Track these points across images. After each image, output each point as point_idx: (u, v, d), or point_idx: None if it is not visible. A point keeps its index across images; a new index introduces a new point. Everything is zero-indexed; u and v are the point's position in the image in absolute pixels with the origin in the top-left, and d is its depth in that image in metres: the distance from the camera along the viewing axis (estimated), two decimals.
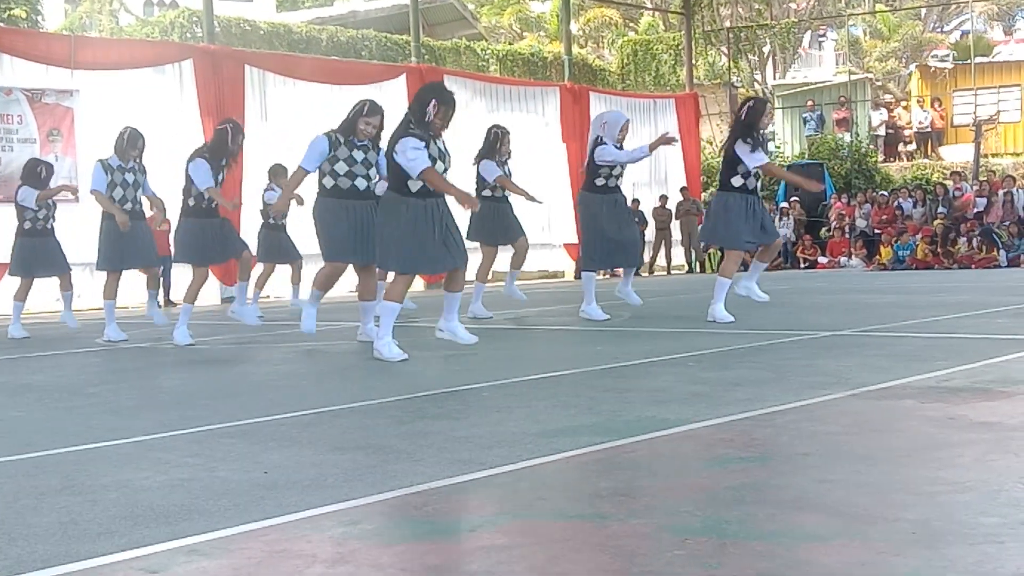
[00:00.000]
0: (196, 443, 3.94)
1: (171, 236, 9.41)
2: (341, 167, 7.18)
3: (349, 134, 7.22)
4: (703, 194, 24.02)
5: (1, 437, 4.30)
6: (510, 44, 31.99)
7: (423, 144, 6.38)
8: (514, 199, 10.20)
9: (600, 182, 9.07)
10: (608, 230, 9.02)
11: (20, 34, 17.35)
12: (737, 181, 8.41)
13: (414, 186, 6.42)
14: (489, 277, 10.50)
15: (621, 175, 9.15)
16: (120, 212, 8.72)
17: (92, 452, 3.85)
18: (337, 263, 7.44)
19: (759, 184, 8.58)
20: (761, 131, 8.46)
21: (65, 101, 14.70)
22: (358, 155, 7.25)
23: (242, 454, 3.67)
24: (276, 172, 11.33)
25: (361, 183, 7.30)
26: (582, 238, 9.75)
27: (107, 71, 15.02)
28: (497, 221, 9.97)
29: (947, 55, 29.84)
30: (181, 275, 10.99)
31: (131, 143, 8.87)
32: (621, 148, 9.11)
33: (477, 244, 10.17)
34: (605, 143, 8.99)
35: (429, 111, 6.44)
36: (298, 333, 7.79)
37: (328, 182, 7.24)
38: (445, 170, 6.55)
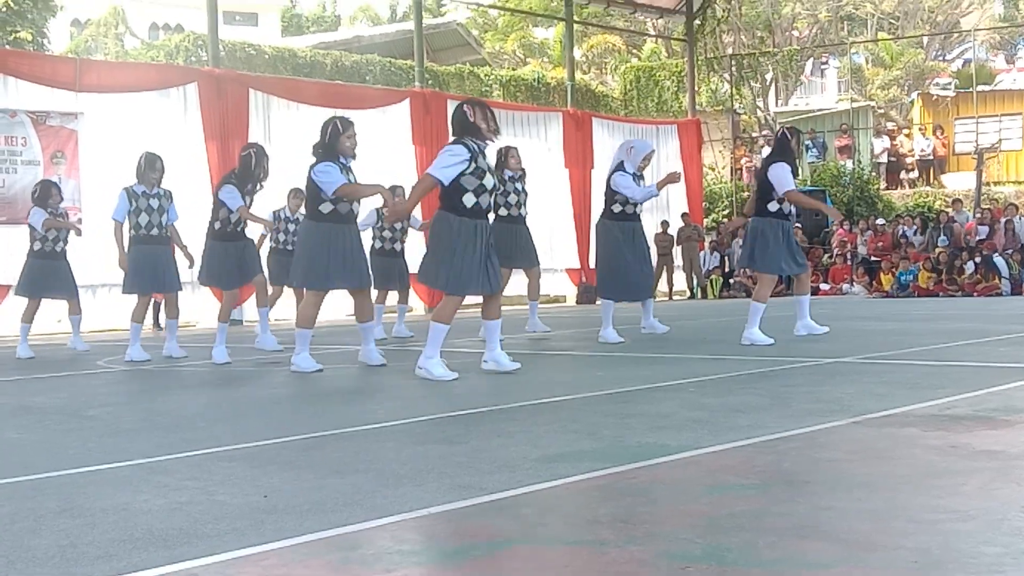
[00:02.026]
0: (195, 466, 3.93)
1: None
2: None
3: (334, 157, 7.27)
4: (705, 220, 24.06)
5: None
6: (513, 70, 32.12)
7: (466, 155, 6.41)
8: (532, 222, 10.22)
9: (617, 209, 9.15)
10: (627, 262, 9.08)
11: (25, 56, 17.43)
12: (773, 206, 8.46)
13: (469, 202, 6.45)
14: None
15: (636, 202, 9.19)
16: (122, 252, 8.96)
17: (91, 475, 3.84)
18: (319, 291, 7.47)
19: (793, 210, 8.61)
20: (794, 159, 8.56)
21: (69, 123, 14.76)
22: (351, 177, 7.35)
23: (242, 477, 3.66)
24: (292, 195, 11.28)
25: (355, 206, 7.51)
26: (599, 266, 9.81)
27: (112, 94, 15.09)
28: (511, 243, 9.93)
29: (949, 83, 29.98)
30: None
31: (149, 166, 9.00)
32: (642, 176, 9.19)
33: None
34: (625, 170, 9.06)
35: (467, 114, 6.53)
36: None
37: (326, 207, 7.28)
38: (494, 186, 6.61)
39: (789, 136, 8.69)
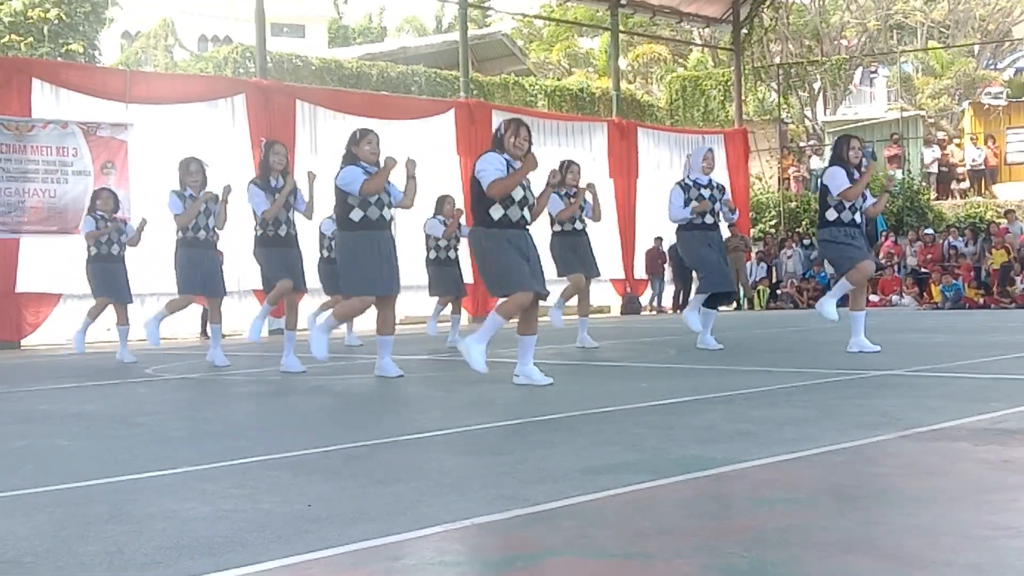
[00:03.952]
0: (241, 474, 3.95)
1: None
2: (372, 196, 7.30)
3: (355, 162, 7.34)
4: (751, 230, 23.91)
5: (49, 466, 4.35)
6: (558, 80, 32.16)
7: (502, 163, 6.52)
8: (592, 232, 10.35)
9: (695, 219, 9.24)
10: (710, 255, 9.16)
11: (76, 68, 17.73)
12: (831, 215, 8.45)
13: (496, 214, 6.52)
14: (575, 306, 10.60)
15: (713, 211, 9.21)
16: (199, 201, 9.05)
17: (139, 482, 3.87)
18: (367, 297, 7.48)
19: (859, 218, 8.52)
20: (853, 164, 8.48)
21: (119, 134, 14.96)
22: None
23: (286, 486, 3.68)
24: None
25: (387, 213, 7.46)
26: (695, 270, 9.95)
27: (161, 105, 15.29)
28: (579, 252, 9.99)
29: (1000, 92, 29.57)
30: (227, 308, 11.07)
31: (183, 169, 9.15)
32: (709, 176, 9.26)
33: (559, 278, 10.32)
34: (687, 180, 9.21)
35: (501, 132, 6.62)
36: (345, 365, 7.83)
37: (357, 214, 7.33)
38: (524, 198, 6.59)
39: (840, 144, 8.68)
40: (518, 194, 6.56)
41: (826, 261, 8.93)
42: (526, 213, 6.67)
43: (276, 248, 8.44)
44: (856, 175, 8.48)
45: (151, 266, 11.25)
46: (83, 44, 24.98)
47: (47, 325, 14.45)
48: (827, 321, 8.66)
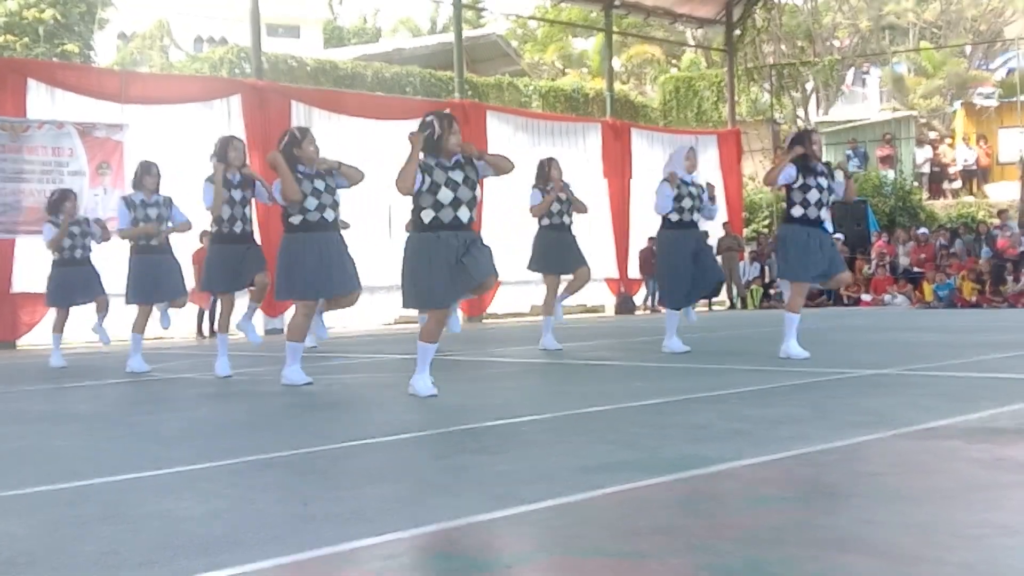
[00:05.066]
0: (236, 474, 3.96)
1: None
2: (310, 202, 7.12)
3: (295, 164, 7.16)
4: (744, 230, 23.93)
5: (44, 465, 4.35)
6: (552, 80, 32.16)
7: (418, 175, 6.14)
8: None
9: (675, 218, 9.16)
10: (683, 266, 9.08)
11: (72, 69, 17.72)
12: (796, 211, 8.34)
13: (427, 217, 6.20)
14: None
15: (694, 209, 9.15)
16: (145, 229, 8.87)
17: (133, 481, 3.88)
18: (308, 302, 7.31)
19: (824, 214, 8.39)
20: (814, 160, 8.37)
21: (115, 135, 14.93)
22: (320, 184, 7.17)
23: (281, 485, 3.68)
24: None
25: (329, 214, 7.23)
26: (658, 274, 9.83)
27: (156, 105, 15.27)
28: (558, 250, 9.97)
29: (992, 92, 29.66)
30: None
31: (145, 172, 9.00)
32: (692, 175, 9.25)
33: (539, 275, 10.27)
34: (682, 181, 9.17)
35: (437, 134, 6.22)
36: (339, 364, 7.83)
37: (296, 219, 7.14)
38: (455, 200, 6.21)
39: (801, 138, 8.56)
40: (446, 197, 6.16)
41: (778, 255, 8.70)
42: (462, 213, 6.23)
43: (230, 245, 8.05)
44: (817, 170, 8.37)
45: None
46: (79, 45, 24.97)
47: (43, 325, 14.41)
48: (801, 359, 8.32)
